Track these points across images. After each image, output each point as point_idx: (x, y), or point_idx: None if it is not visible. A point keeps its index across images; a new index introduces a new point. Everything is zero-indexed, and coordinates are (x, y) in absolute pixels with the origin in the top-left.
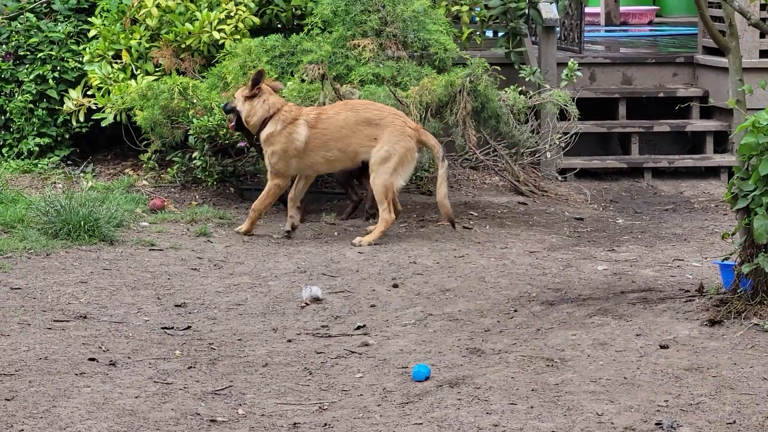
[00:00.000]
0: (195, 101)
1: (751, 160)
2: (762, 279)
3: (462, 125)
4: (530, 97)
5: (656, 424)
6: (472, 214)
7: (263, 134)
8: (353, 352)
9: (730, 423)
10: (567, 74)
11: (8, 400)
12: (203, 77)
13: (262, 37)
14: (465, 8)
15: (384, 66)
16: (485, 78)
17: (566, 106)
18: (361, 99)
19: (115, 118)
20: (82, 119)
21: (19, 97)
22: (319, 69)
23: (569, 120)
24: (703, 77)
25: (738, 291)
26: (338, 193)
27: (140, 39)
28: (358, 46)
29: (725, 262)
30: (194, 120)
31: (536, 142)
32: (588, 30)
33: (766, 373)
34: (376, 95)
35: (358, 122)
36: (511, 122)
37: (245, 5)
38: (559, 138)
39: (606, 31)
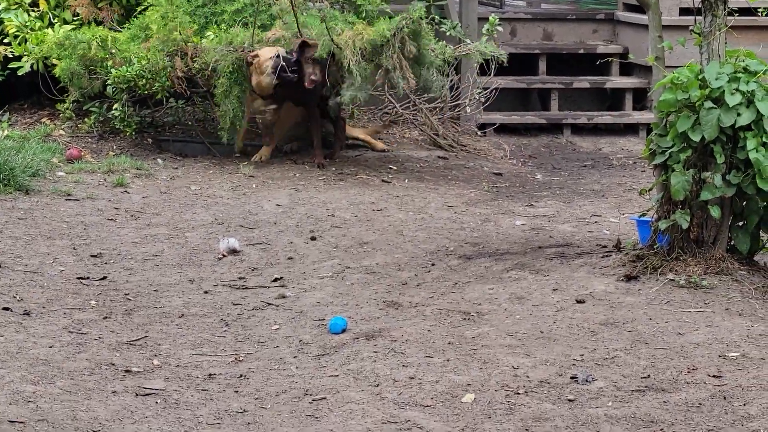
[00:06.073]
0: (114, 51)
1: (669, 116)
2: (678, 235)
3: (400, 68)
4: (455, 49)
5: (571, 377)
6: (391, 168)
7: None
8: (270, 304)
9: (644, 377)
10: (487, 29)
11: None
12: (124, 28)
13: None
14: None
15: (309, 14)
16: (423, 24)
17: (494, 54)
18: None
19: (32, 66)
20: None
21: None
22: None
23: (489, 75)
24: (624, 34)
25: (654, 247)
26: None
27: None
28: None
29: (642, 218)
30: (113, 70)
31: (451, 95)
32: None
33: (680, 328)
34: (314, 29)
35: None
36: (434, 71)
37: None
38: (479, 93)
39: None
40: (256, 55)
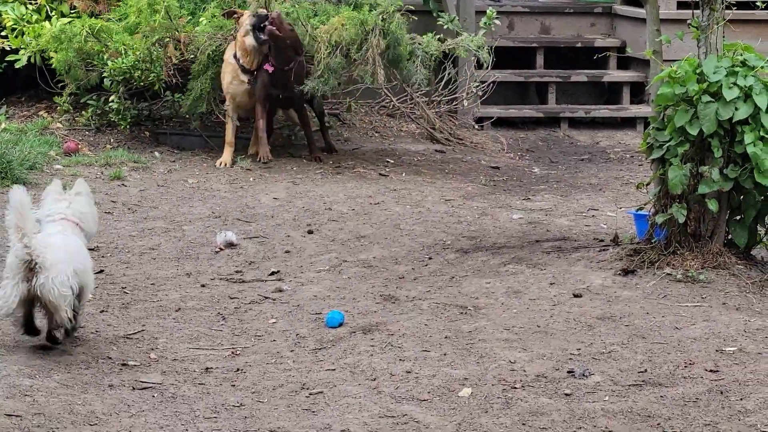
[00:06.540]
0: (109, 44)
1: (666, 110)
2: (675, 229)
3: (372, 63)
4: (441, 42)
5: (568, 372)
6: (388, 162)
7: None
8: (267, 298)
9: (641, 371)
10: (485, 22)
11: None
12: (112, 9)
13: None
14: None
15: (300, 6)
16: (398, 17)
17: (478, 51)
18: None
19: (29, 59)
20: None
21: None
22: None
23: (487, 68)
24: (621, 28)
25: (652, 241)
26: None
27: None
28: None
29: (639, 212)
30: (108, 62)
31: (448, 89)
32: None
33: (677, 323)
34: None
35: None
36: (418, 64)
37: None
38: (477, 86)
39: None
40: (242, 14)
